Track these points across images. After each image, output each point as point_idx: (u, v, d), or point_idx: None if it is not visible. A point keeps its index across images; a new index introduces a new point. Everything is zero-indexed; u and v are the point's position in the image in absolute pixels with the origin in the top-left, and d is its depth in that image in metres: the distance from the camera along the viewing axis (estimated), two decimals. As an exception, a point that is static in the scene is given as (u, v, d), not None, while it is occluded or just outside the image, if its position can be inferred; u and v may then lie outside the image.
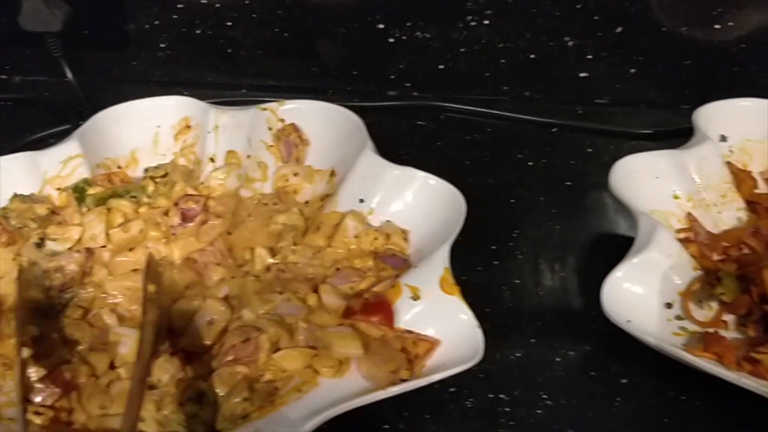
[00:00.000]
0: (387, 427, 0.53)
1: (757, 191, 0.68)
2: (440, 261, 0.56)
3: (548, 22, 0.77)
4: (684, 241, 0.63)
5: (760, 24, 0.76)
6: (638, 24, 0.76)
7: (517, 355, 0.59)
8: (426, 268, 0.56)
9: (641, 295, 0.56)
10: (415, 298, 0.55)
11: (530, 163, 0.76)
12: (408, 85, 0.82)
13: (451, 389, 0.56)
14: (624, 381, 0.57)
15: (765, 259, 0.58)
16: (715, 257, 0.62)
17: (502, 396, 0.56)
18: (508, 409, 0.55)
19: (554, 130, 0.80)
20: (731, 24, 0.75)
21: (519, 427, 0.54)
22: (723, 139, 0.71)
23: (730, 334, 0.55)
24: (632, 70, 0.79)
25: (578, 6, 0.75)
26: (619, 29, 0.76)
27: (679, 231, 0.64)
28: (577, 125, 0.80)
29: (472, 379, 0.57)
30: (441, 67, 0.80)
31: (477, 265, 0.66)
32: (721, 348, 0.52)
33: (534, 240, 0.68)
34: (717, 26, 0.76)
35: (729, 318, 0.56)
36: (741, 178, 0.68)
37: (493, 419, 0.55)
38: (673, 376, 0.55)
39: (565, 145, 0.78)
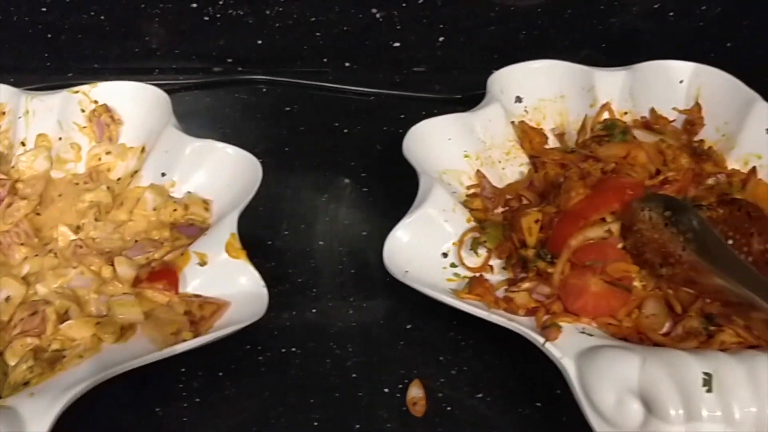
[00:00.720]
0: (181, 386, 0.57)
1: (546, 147, 0.74)
2: (227, 227, 0.59)
3: (354, -5, 0.80)
4: (472, 197, 0.68)
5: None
6: (440, -7, 0.80)
7: (314, 311, 0.63)
8: (214, 235, 0.59)
9: (419, 248, 0.61)
10: (202, 263, 0.58)
11: (345, 131, 0.79)
12: (231, 60, 0.85)
13: (246, 347, 0.60)
14: (408, 326, 0.62)
15: (532, 208, 0.63)
16: (499, 209, 0.67)
17: (294, 349, 0.60)
18: (298, 361, 0.59)
19: (372, 98, 0.84)
20: (527, -11, 0.81)
21: (308, 377, 0.58)
22: (518, 100, 0.76)
23: (495, 277, 0.61)
24: (441, 38, 0.83)
25: (380, -23, 0.79)
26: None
27: (468, 187, 0.69)
28: (393, 93, 0.84)
29: (267, 337, 0.60)
30: (259, 42, 0.83)
31: (284, 230, 0.69)
32: (482, 289, 0.57)
33: (341, 203, 0.72)
34: (515, -8, 0.81)
35: (495, 263, 0.62)
36: (530, 135, 0.74)
37: (284, 371, 0.59)
38: (452, 319, 0.60)
39: (380, 113, 0.82)
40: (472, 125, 0.70)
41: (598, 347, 0.52)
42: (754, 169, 0.67)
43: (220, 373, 0.58)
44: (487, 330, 0.57)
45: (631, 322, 0.55)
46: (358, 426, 0.55)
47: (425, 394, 0.56)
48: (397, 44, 0.84)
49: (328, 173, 0.75)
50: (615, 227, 0.59)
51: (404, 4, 0.81)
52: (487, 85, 0.74)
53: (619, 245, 0.59)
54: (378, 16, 0.81)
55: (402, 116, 0.81)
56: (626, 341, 0.54)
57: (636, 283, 0.57)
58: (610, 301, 0.55)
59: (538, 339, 0.53)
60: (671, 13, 0.83)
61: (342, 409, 0.56)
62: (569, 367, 0.51)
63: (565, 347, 0.52)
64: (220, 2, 0.80)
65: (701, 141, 0.73)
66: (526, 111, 0.75)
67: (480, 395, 0.57)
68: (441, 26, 0.82)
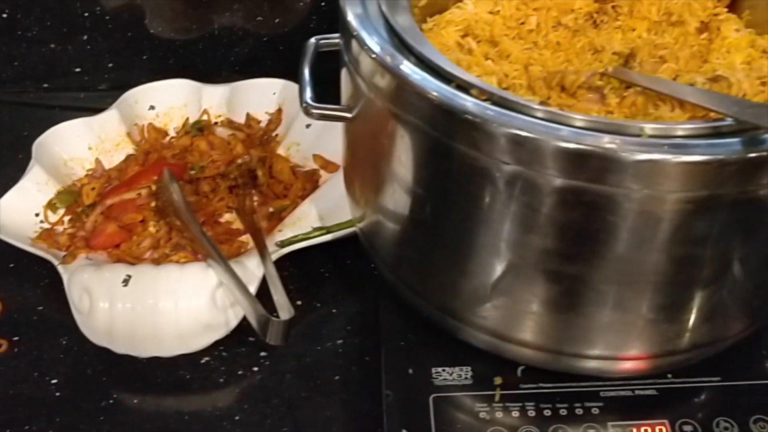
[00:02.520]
0: None
1: (164, 141, 1.00)
2: None
3: None
4: (89, 177, 0.94)
5: None
6: None
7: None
8: None
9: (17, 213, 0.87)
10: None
11: None
12: None
13: None
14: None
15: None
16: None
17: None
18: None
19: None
20: None
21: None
22: (152, 107, 1.02)
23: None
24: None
25: None
26: None
27: (88, 170, 0.95)
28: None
29: None
30: None
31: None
32: (47, 235, 0.83)
33: None
34: None
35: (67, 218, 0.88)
36: (151, 133, 1.00)
37: None
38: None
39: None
40: (92, 126, 0.96)
41: (86, 266, 0.78)
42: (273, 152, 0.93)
43: None
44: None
45: (128, 250, 0.81)
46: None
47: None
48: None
49: None
50: (144, 192, 0.85)
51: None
52: (122, 98, 1.00)
53: (153, 204, 0.85)
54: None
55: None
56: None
57: (151, 228, 0.83)
58: (116, 238, 0.81)
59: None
60: (281, 47, 1.10)
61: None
62: (65, 279, 0.77)
63: (71, 268, 0.78)
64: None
65: (276, 135, 0.99)
66: (157, 116, 1.02)
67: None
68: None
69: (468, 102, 0.54)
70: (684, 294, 0.62)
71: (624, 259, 0.59)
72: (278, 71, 1.01)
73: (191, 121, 1.00)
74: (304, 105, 0.64)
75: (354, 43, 0.60)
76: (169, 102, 1.01)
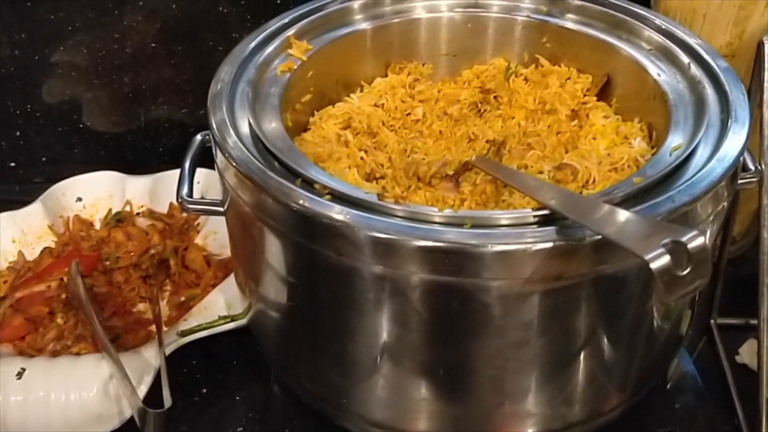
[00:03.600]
0: None
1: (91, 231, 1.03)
2: None
3: None
4: (10, 269, 0.96)
5: None
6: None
7: None
8: None
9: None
10: None
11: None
12: None
13: None
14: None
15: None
16: (24, 277, 0.96)
17: None
18: None
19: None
20: None
21: None
22: (79, 199, 1.05)
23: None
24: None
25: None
26: None
27: (10, 263, 0.97)
28: None
29: None
30: None
31: None
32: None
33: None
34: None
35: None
36: (76, 224, 1.02)
37: None
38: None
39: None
40: (16, 219, 0.99)
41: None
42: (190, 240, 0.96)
43: None
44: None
45: (32, 342, 0.82)
46: None
47: None
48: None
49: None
50: (54, 284, 0.87)
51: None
52: (49, 191, 1.03)
53: (63, 295, 0.87)
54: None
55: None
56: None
57: (59, 320, 0.85)
58: (21, 330, 0.83)
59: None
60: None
61: None
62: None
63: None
64: None
65: (198, 223, 1.02)
66: (84, 207, 1.04)
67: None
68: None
69: (326, 208, 0.55)
70: (557, 372, 0.63)
71: (491, 345, 0.60)
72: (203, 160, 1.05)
73: (115, 211, 1.02)
74: (180, 200, 0.67)
75: (218, 150, 0.62)
76: (95, 194, 1.04)
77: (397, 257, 0.54)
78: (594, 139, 0.72)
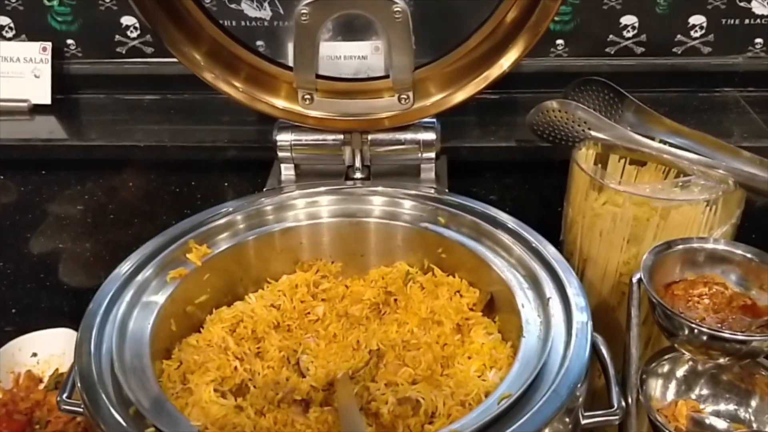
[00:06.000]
0: None
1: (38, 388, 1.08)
2: None
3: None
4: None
5: None
6: None
7: None
8: None
9: None
10: None
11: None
12: None
13: None
14: None
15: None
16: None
17: None
18: None
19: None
20: None
21: None
22: (34, 354, 1.11)
23: None
24: None
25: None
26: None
27: None
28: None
29: None
30: None
31: None
32: None
33: None
34: None
35: None
36: (26, 381, 1.08)
37: None
38: None
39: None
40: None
41: None
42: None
43: None
44: None
45: None
46: None
47: None
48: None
49: None
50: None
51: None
52: (5, 347, 1.09)
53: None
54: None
55: None
56: None
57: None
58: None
59: None
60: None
61: None
62: None
63: None
64: None
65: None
66: (38, 363, 1.10)
67: None
68: None
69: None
70: None
71: None
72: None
73: (61, 371, 1.07)
74: (57, 400, 0.70)
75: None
76: (50, 350, 1.10)
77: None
78: (469, 358, 0.73)
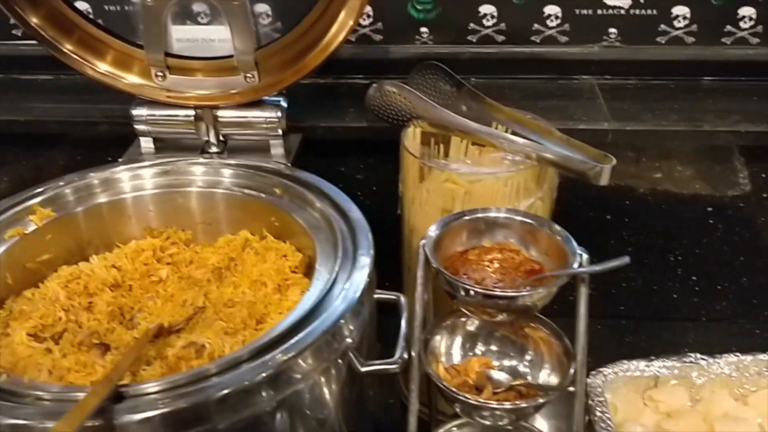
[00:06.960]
0: None
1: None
2: None
3: None
4: None
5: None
6: None
7: None
8: None
9: None
10: None
11: None
12: None
13: None
14: None
15: None
16: None
17: None
18: None
19: None
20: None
21: None
22: None
23: None
24: None
25: None
26: None
27: None
28: None
29: None
30: None
31: None
32: None
33: None
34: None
35: None
36: None
37: None
38: None
39: None
40: None
41: None
42: None
43: None
44: None
45: None
46: None
47: None
48: None
49: None
50: None
51: None
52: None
53: None
54: None
55: None
56: None
57: None
58: None
59: None
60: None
61: None
62: None
63: None
64: None
65: None
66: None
67: None
68: None
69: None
70: None
71: None
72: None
73: None
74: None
75: None
76: None
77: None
78: (280, 314, 0.79)
